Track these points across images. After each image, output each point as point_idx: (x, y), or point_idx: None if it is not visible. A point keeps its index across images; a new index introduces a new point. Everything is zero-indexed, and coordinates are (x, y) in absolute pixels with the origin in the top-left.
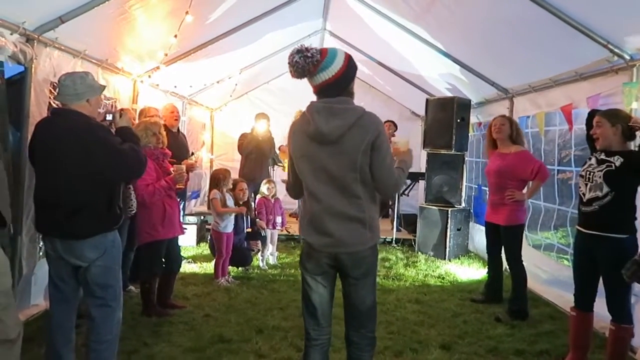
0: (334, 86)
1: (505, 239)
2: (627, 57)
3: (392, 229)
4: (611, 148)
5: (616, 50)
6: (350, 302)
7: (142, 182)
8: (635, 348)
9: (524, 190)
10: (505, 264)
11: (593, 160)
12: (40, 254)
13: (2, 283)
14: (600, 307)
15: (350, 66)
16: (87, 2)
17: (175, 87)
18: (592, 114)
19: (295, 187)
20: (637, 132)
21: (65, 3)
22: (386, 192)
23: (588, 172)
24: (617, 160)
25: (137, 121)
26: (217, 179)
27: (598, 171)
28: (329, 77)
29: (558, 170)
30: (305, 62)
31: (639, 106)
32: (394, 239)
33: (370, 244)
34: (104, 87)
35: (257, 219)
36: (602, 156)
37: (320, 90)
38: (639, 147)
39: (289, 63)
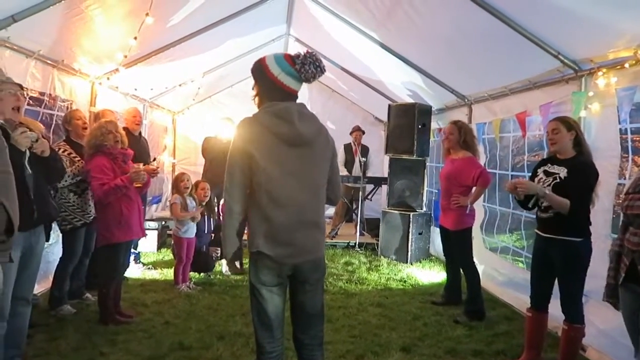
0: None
1: (454, 243)
2: (576, 67)
3: (356, 233)
4: (562, 153)
5: (566, 60)
6: (304, 306)
7: (97, 182)
8: (586, 346)
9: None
10: None
11: (542, 174)
12: None
13: None
14: (553, 307)
15: None
16: (41, 1)
17: (135, 89)
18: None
19: (241, 194)
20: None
21: (18, 1)
22: (337, 198)
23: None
24: (562, 172)
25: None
26: (178, 182)
27: (547, 185)
28: None
29: (512, 175)
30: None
31: (587, 114)
32: (357, 243)
33: (324, 246)
34: None
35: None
36: (548, 168)
37: (294, 95)
38: (580, 164)
39: (317, 67)
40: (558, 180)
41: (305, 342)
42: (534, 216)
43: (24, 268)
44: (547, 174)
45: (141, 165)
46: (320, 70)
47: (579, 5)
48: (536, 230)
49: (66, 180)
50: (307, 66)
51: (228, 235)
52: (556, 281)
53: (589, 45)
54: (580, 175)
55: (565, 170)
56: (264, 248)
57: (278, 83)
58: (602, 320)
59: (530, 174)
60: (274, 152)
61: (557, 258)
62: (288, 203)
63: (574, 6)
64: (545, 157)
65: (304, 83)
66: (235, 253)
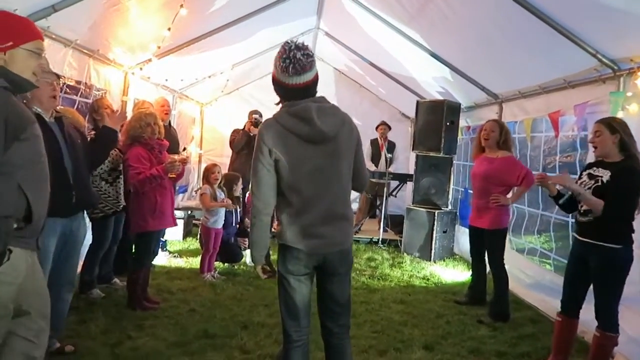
0: (314, 85)
1: (489, 243)
2: (615, 67)
3: (379, 229)
4: (608, 157)
5: (604, 59)
6: (334, 296)
7: (134, 171)
8: (614, 353)
9: (509, 195)
10: (488, 267)
11: (585, 177)
12: None
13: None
14: (582, 312)
15: None
16: None
17: (166, 80)
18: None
19: (269, 195)
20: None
21: None
22: (363, 187)
23: None
24: (606, 175)
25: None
26: (209, 173)
27: (588, 188)
28: (314, 75)
29: None
30: (307, 61)
31: (625, 115)
32: (380, 239)
33: (352, 237)
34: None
35: (247, 216)
36: (593, 171)
37: (305, 89)
38: (624, 168)
39: (287, 57)
40: (600, 183)
41: (334, 331)
42: (566, 218)
43: (70, 255)
44: (591, 176)
45: (176, 157)
46: (292, 60)
47: (619, 2)
48: (574, 234)
49: (101, 168)
50: (283, 61)
51: (259, 238)
52: (591, 287)
53: (629, 43)
54: (621, 179)
55: (609, 173)
56: (293, 242)
57: (280, 83)
58: (632, 327)
59: (561, 174)
60: (299, 151)
61: (595, 264)
62: (318, 200)
63: (614, 3)
64: (593, 160)
65: (339, 80)
66: (266, 256)
